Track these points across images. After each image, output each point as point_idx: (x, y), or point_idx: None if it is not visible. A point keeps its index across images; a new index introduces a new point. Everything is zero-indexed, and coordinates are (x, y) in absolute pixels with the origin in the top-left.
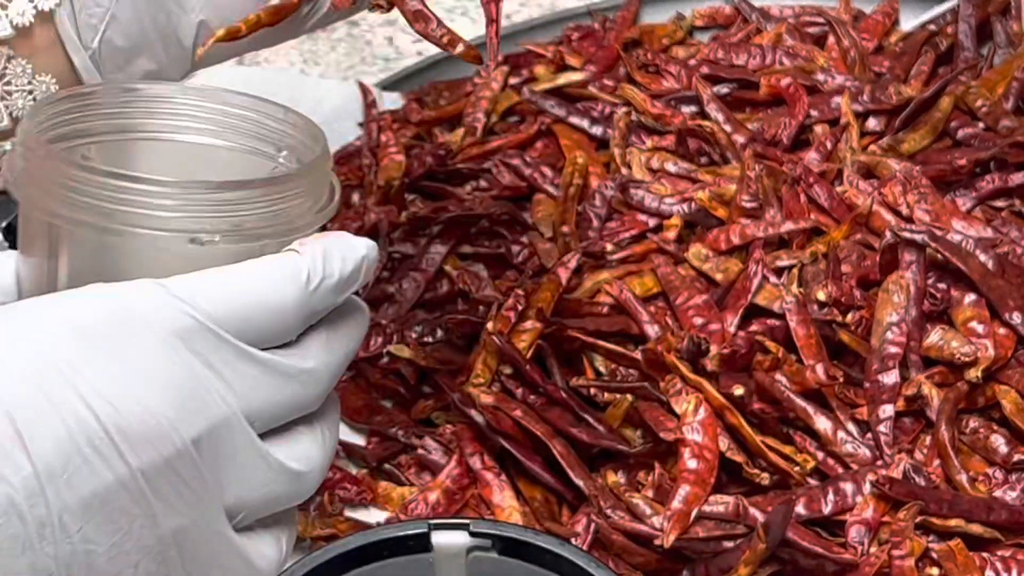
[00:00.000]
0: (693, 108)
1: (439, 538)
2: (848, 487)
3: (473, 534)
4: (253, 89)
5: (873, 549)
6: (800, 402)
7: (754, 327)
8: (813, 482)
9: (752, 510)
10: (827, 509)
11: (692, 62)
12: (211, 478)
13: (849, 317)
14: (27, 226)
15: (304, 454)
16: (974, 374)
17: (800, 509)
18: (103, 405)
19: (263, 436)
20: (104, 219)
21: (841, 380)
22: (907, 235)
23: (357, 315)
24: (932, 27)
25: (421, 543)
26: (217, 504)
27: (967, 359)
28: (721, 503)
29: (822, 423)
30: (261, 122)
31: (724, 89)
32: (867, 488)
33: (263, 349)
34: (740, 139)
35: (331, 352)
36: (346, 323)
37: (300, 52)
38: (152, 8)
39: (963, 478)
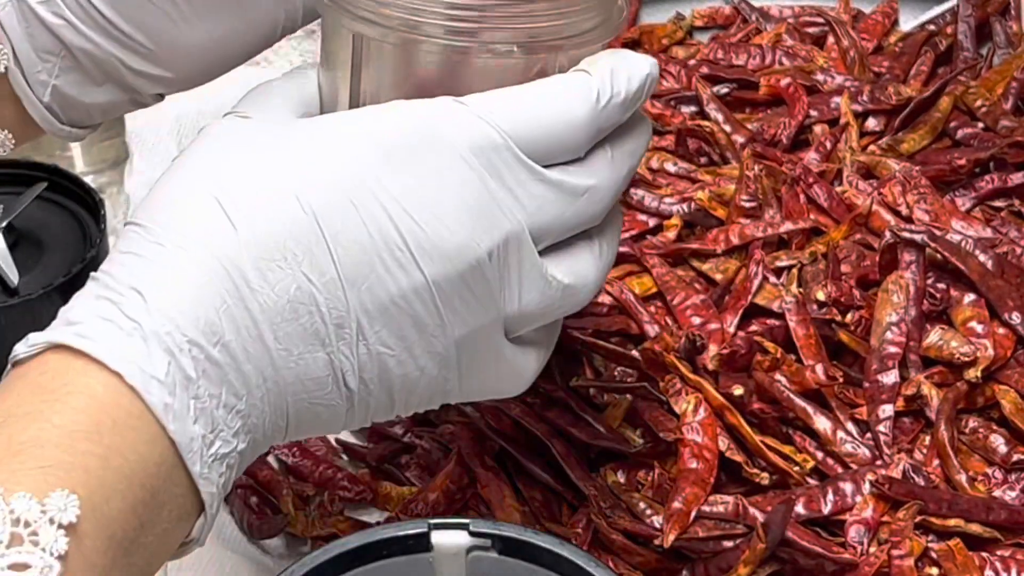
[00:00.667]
0: (693, 108)
1: (439, 538)
2: (847, 487)
3: (473, 534)
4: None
5: (872, 549)
6: (800, 402)
7: (753, 327)
8: (813, 482)
9: (752, 510)
10: (826, 509)
11: (692, 62)
12: (496, 291)
13: (848, 317)
14: (330, 40)
15: (581, 270)
16: (973, 374)
17: (799, 509)
18: (403, 217)
19: (545, 251)
20: (408, 30)
21: (841, 380)
22: (907, 235)
23: (640, 129)
24: (931, 27)
25: (421, 543)
26: (499, 315)
27: (966, 359)
28: (721, 503)
29: (822, 423)
30: None
31: (724, 89)
32: (866, 488)
33: (552, 165)
34: (740, 139)
35: (615, 168)
36: (630, 139)
37: (300, 52)
38: (97, 58)
39: (962, 478)
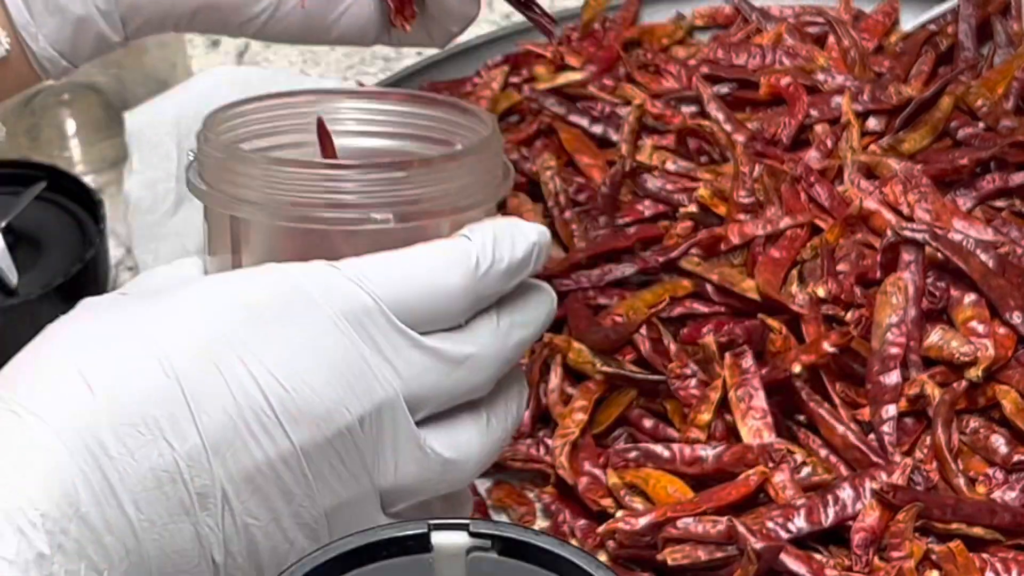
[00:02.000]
0: (693, 108)
1: (439, 538)
2: (847, 495)
3: (473, 534)
4: (253, 89)
5: (879, 563)
6: (813, 406)
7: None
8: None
9: (741, 529)
10: (828, 521)
11: (692, 62)
12: (368, 461)
13: (849, 316)
14: (211, 225)
15: (464, 443)
16: (974, 373)
17: (800, 522)
18: (271, 382)
19: (425, 421)
20: (281, 207)
21: (854, 336)
22: (908, 234)
23: (536, 299)
24: (932, 27)
25: (421, 543)
26: (373, 487)
27: (967, 359)
28: (714, 524)
29: (828, 421)
30: (431, 116)
31: (724, 89)
32: (867, 494)
33: (431, 332)
34: (740, 138)
35: (501, 338)
36: (522, 308)
37: (300, 52)
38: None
39: (960, 481)
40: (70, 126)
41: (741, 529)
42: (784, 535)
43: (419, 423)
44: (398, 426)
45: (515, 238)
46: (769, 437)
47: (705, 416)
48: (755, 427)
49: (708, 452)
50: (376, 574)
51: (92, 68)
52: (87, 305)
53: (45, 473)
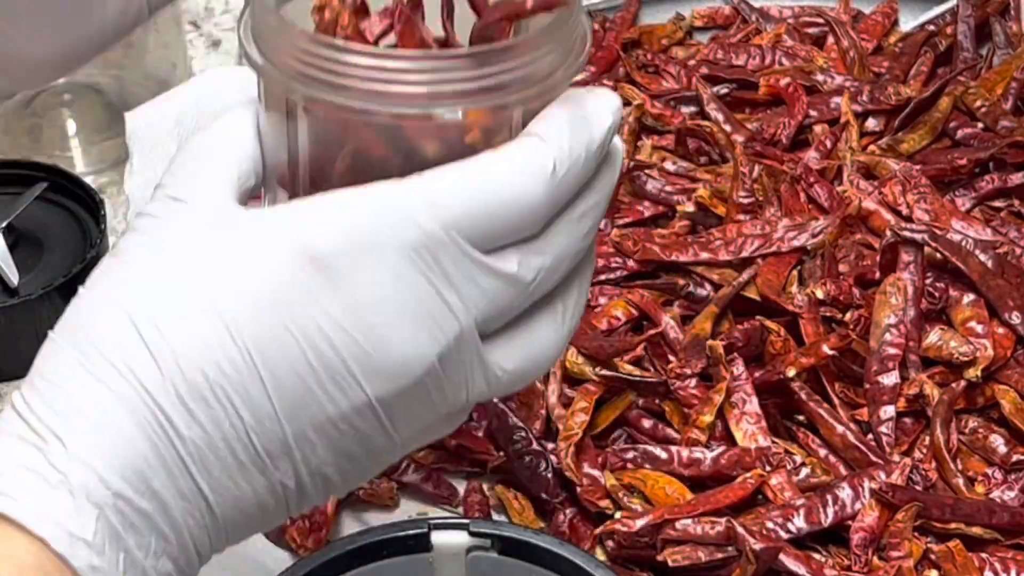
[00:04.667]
0: (693, 108)
1: (439, 538)
2: (846, 494)
3: (473, 534)
4: (252, 89)
5: (878, 563)
6: (812, 406)
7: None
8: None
9: (740, 530)
10: (827, 521)
11: (692, 62)
12: (446, 392)
13: (848, 316)
14: (265, 91)
15: (537, 349)
16: (973, 373)
17: (800, 523)
18: (343, 338)
19: (496, 332)
20: (340, 95)
21: (854, 339)
22: (907, 234)
23: (605, 169)
24: (931, 27)
25: (421, 543)
26: (447, 410)
27: (965, 358)
28: (713, 525)
29: (828, 421)
30: None
31: (723, 89)
32: (866, 494)
33: (504, 248)
34: (739, 139)
35: (575, 229)
36: (594, 187)
37: None
38: None
39: (959, 481)
40: (71, 126)
41: (740, 530)
42: (784, 535)
43: (490, 336)
44: (471, 354)
45: (591, 125)
46: (764, 441)
47: (707, 417)
48: (749, 431)
49: (706, 455)
50: (376, 573)
51: (93, 68)
52: (149, 233)
53: (115, 447)
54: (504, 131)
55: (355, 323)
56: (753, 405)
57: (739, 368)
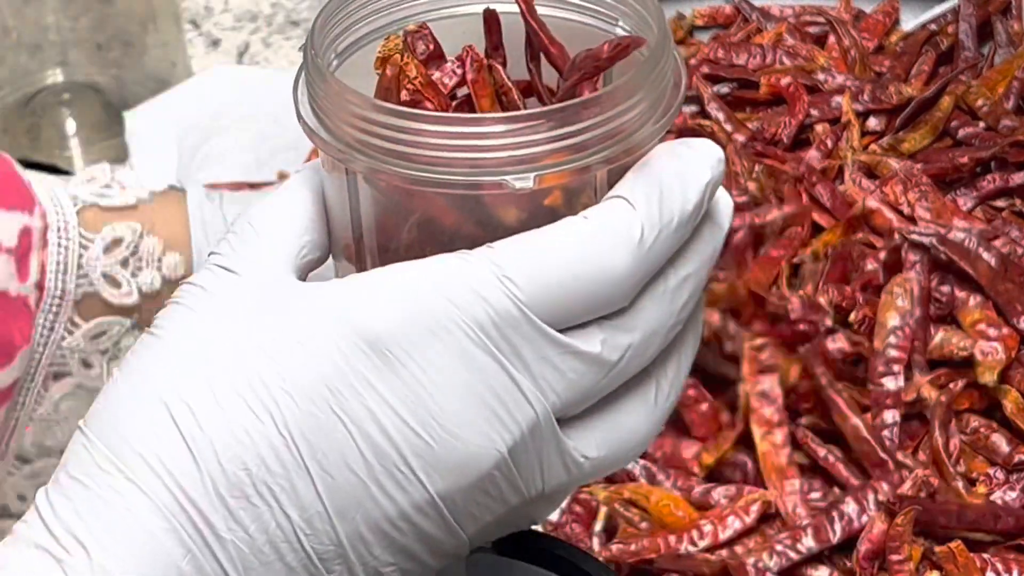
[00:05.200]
0: (694, 108)
1: None
2: (851, 509)
3: None
4: (252, 89)
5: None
6: (832, 393)
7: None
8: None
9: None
10: (835, 538)
11: (692, 62)
12: (516, 484)
13: (852, 316)
14: (324, 158)
15: (626, 434)
16: (989, 378)
17: (810, 542)
18: (403, 429)
19: (579, 416)
20: (403, 165)
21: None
22: (915, 237)
23: (706, 233)
24: (933, 27)
25: None
26: (516, 503)
27: (965, 353)
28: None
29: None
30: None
31: (724, 88)
32: (872, 506)
33: (587, 324)
34: (740, 138)
35: (670, 301)
36: (692, 252)
37: (300, 52)
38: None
39: (959, 484)
40: (70, 126)
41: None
42: (794, 556)
43: (571, 420)
44: (548, 442)
45: (686, 184)
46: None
47: (709, 458)
48: (770, 439)
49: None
50: None
51: (92, 68)
52: (192, 307)
53: (145, 556)
54: (587, 192)
55: (415, 412)
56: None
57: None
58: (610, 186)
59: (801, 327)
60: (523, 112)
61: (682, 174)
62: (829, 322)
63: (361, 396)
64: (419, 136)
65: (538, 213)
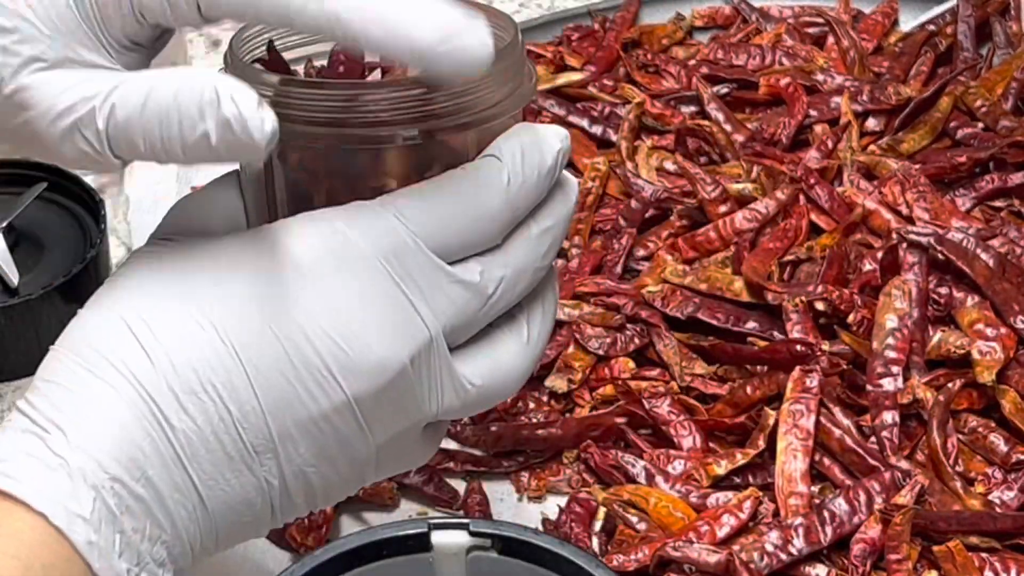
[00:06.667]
0: (693, 108)
1: (439, 538)
2: (843, 510)
3: (473, 534)
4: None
5: (876, 574)
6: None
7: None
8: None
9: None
10: (827, 539)
11: (692, 62)
12: (419, 397)
13: (851, 317)
14: None
15: (503, 366)
16: (987, 377)
17: (800, 543)
18: (325, 341)
19: (464, 346)
20: (308, 127)
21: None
22: (913, 237)
23: (560, 196)
24: (931, 27)
25: (420, 543)
26: (421, 417)
27: (960, 351)
28: (711, 552)
29: (825, 425)
30: None
31: (724, 89)
32: (863, 507)
33: (466, 259)
34: (740, 138)
35: (534, 247)
36: (550, 209)
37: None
38: None
39: (957, 484)
40: None
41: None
42: (784, 557)
43: (458, 349)
44: (440, 362)
45: (542, 148)
46: (804, 461)
47: (718, 470)
48: (792, 445)
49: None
50: (376, 573)
51: None
52: (137, 258)
53: (113, 436)
54: (464, 152)
55: (333, 324)
56: (808, 421)
57: (813, 381)
58: (480, 152)
59: (799, 348)
60: (408, 78)
61: (538, 141)
62: (825, 347)
63: (288, 310)
64: (325, 100)
65: (423, 169)
